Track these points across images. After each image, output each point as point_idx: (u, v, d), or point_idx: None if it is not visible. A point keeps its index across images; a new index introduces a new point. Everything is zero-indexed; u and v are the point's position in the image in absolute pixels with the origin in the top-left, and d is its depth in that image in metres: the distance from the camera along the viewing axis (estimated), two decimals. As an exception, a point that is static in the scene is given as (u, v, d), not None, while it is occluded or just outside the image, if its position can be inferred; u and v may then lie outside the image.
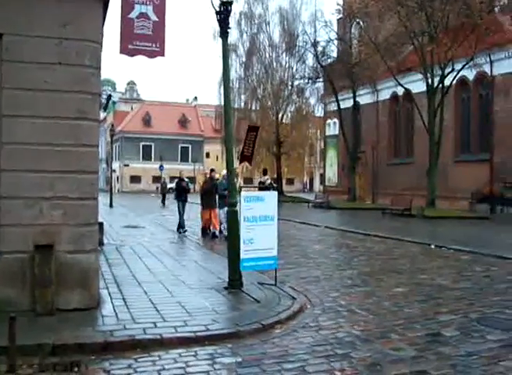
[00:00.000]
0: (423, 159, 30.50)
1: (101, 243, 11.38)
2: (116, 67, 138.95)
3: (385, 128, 39.12)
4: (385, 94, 38.53)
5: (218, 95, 44.70)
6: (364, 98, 39.53)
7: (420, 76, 29.62)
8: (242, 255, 7.75)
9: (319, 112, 49.09)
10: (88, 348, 5.35)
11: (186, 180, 18.48)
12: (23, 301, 6.33)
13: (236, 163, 9.12)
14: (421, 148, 32.46)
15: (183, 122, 76.84)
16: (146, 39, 7.61)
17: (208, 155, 74.13)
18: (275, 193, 8.61)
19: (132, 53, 7.63)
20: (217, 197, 15.16)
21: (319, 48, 39.61)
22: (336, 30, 40.15)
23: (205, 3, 8.20)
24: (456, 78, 28.77)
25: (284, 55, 46.08)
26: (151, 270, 9.69)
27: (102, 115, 56.97)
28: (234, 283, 8.03)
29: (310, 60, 43.23)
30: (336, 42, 39.91)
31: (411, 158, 35.78)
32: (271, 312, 6.78)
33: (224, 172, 13.89)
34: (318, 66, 40.50)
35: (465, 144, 32.59)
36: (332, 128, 45.67)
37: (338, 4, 35.78)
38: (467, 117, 32.44)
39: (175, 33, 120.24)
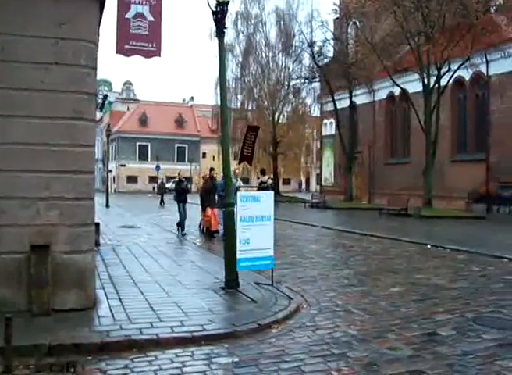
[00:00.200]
0: (419, 159, 30.57)
1: (97, 243, 11.36)
2: (113, 67, 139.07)
3: (381, 128, 39.18)
4: (381, 94, 38.60)
5: (215, 95, 44.83)
6: (361, 98, 39.57)
7: (416, 76, 29.66)
8: (238, 255, 7.76)
9: (316, 112, 49.25)
10: (84, 349, 5.34)
11: (185, 180, 18.45)
12: (20, 301, 6.31)
13: (232, 164, 9.08)
14: (417, 148, 32.53)
15: (180, 122, 76.81)
16: (142, 39, 7.59)
17: (204, 155, 74.17)
18: (272, 193, 8.62)
19: (128, 53, 7.61)
20: (217, 197, 15.16)
21: (316, 48, 39.72)
22: (332, 30, 40.18)
23: (202, 3, 8.21)
24: (453, 78, 28.83)
25: (280, 55, 46.14)
26: (147, 270, 9.68)
27: (99, 115, 56.92)
28: (231, 283, 8.02)
29: (306, 60, 43.44)
30: (332, 42, 39.98)
31: (408, 158, 35.85)
32: (267, 312, 6.78)
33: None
34: (315, 66, 40.58)
35: (461, 143, 32.68)
36: (329, 128, 45.73)
37: (334, 4, 35.87)
38: (463, 117, 32.53)
39: (171, 34, 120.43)
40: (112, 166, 68.24)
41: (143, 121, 74.43)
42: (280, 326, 6.43)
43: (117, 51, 7.56)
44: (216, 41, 8.41)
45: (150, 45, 7.66)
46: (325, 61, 40.26)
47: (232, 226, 8.12)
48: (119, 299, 7.28)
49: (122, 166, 72.06)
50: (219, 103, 9.19)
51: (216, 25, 8.21)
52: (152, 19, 7.66)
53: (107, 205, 31.22)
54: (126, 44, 7.54)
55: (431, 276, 9.91)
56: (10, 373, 4.72)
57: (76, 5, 6.75)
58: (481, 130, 30.76)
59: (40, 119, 6.52)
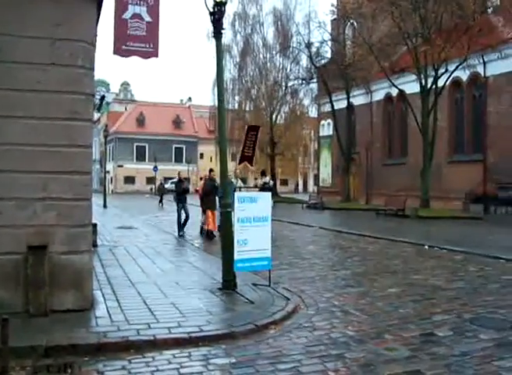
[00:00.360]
0: (417, 160, 30.62)
1: (94, 244, 11.35)
2: (110, 68, 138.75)
3: (379, 129, 39.21)
4: (379, 95, 38.64)
5: (212, 96, 44.74)
6: (358, 98, 39.63)
7: (414, 76, 29.72)
8: (236, 256, 7.75)
9: (313, 112, 49.31)
10: (82, 350, 5.33)
11: (185, 181, 18.44)
12: (17, 302, 6.29)
13: (230, 164, 9.07)
14: (414, 149, 32.58)
15: (177, 122, 76.69)
16: (140, 40, 7.60)
17: (202, 155, 74.08)
18: (269, 194, 8.61)
19: (126, 54, 7.61)
20: (217, 198, 15.10)
21: (313, 49, 39.77)
22: (329, 30, 40.24)
23: (199, 4, 8.20)
24: (450, 79, 28.90)
25: (278, 55, 46.24)
26: (144, 271, 9.67)
27: (96, 116, 56.88)
28: (228, 284, 8.01)
29: (304, 61, 43.48)
30: (329, 43, 40.02)
31: (405, 158, 35.88)
32: (265, 313, 6.77)
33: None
34: (312, 66, 40.62)
35: (459, 144, 32.73)
36: (326, 129, 45.75)
37: (332, 5, 36.05)
38: (460, 118, 32.58)
39: (169, 34, 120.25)
40: (109, 166, 67.94)
41: (140, 122, 74.32)
42: (277, 327, 6.42)
43: (114, 52, 7.56)
44: (214, 41, 8.40)
45: (147, 46, 7.66)
46: (323, 62, 40.31)
47: (229, 226, 8.12)
48: (117, 300, 7.27)
49: (119, 166, 71.93)
50: (217, 104, 9.17)
51: (214, 26, 8.20)
52: (150, 19, 7.66)
53: (104, 206, 31.19)
54: (124, 45, 7.54)
55: (428, 276, 9.91)
56: (6, 374, 4.70)
57: (73, 6, 6.74)
58: (479, 131, 30.81)
59: (37, 120, 6.51)
